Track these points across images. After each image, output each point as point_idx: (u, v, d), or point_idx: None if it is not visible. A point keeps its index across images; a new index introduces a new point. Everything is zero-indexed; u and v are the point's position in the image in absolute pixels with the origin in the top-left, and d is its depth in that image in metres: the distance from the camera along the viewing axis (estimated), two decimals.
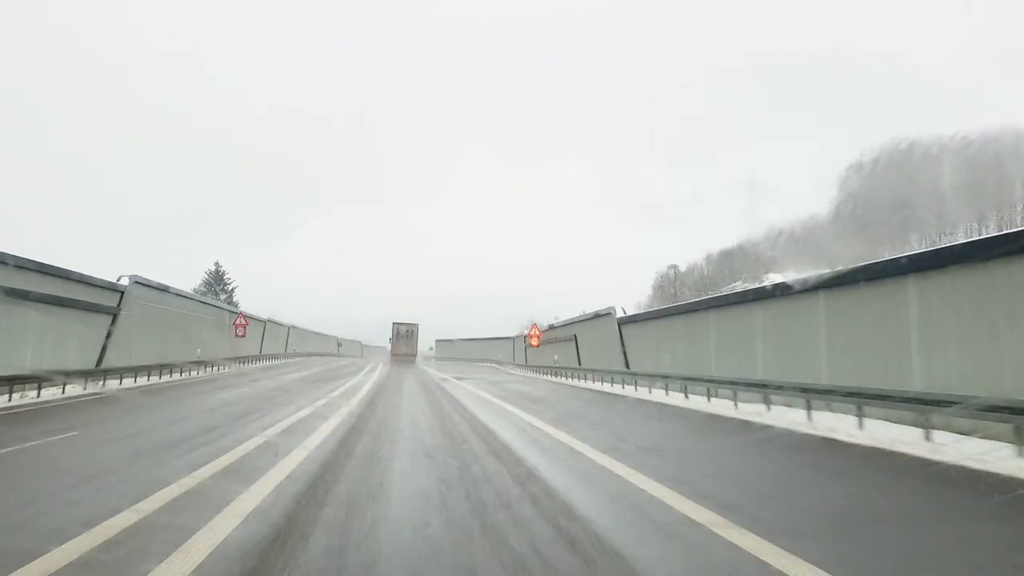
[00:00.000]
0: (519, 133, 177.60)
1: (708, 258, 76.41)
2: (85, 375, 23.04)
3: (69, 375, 21.35)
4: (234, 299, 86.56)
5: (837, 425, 13.49)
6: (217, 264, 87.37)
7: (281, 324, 71.67)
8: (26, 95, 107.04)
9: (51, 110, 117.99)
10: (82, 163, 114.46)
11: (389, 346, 71.35)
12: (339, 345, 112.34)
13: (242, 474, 7.98)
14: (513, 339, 71.13)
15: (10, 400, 17.88)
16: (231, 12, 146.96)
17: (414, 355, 69.38)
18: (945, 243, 23.69)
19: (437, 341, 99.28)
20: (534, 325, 49.23)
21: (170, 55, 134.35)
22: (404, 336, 68.02)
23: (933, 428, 11.51)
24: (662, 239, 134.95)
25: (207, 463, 8.63)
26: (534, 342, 47.99)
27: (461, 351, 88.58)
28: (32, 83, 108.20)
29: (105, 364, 26.01)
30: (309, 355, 78.09)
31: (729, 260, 67.52)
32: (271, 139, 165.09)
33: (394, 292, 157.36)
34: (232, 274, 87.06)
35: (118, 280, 28.45)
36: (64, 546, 4.92)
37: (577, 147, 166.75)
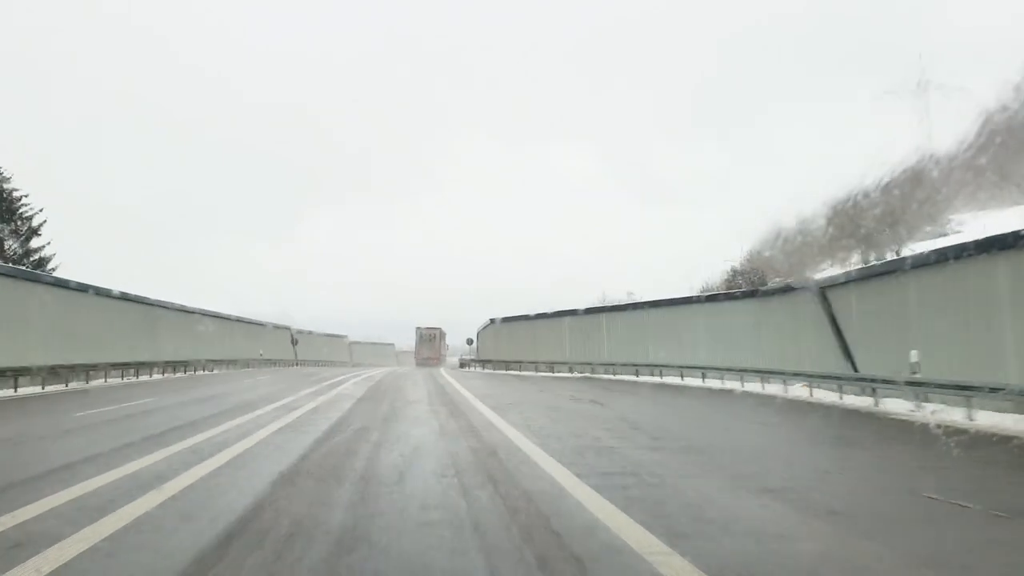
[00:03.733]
0: (526, 119, 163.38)
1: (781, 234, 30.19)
2: None
3: None
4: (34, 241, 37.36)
5: None
6: None
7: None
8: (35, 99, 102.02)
9: (49, 113, 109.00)
10: (82, 169, 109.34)
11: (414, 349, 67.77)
12: (295, 342, 61.38)
13: None
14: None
15: None
16: (231, 9, 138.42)
17: (436, 358, 63.28)
18: None
19: (490, 322, 46.74)
20: None
21: (167, 54, 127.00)
22: (427, 340, 65.88)
23: None
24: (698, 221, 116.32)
25: None
26: None
27: (553, 346, 36.28)
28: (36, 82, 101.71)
29: None
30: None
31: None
32: (270, 143, 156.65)
33: (404, 293, 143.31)
34: (39, 199, 36.92)
35: None
36: None
37: (586, 129, 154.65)
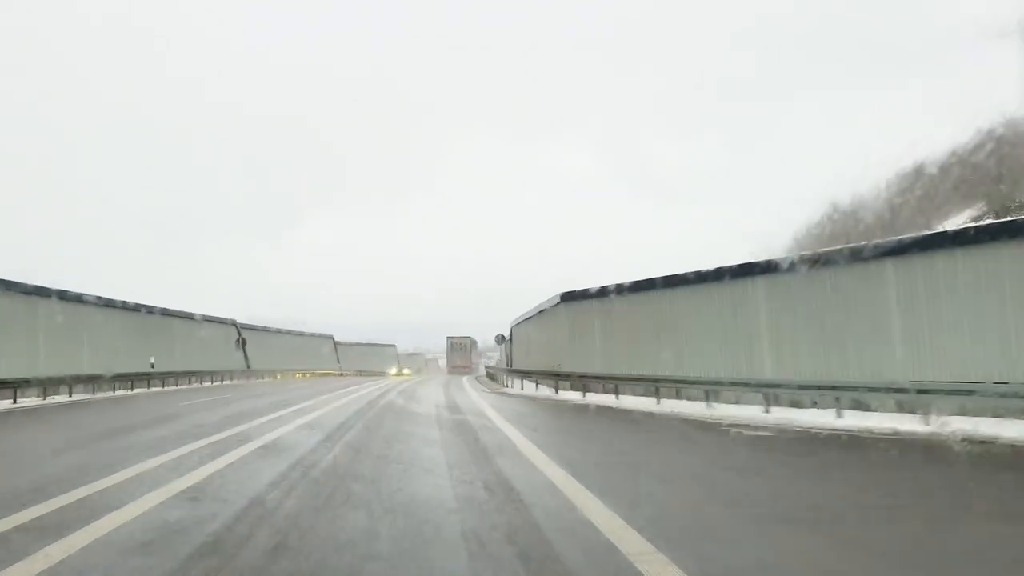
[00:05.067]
0: (526, 119, 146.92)
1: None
2: None
3: None
4: None
5: None
6: None
7: None
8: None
9: (53, 120, 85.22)
10: (83, 170, 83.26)
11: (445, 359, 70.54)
12: (241, 343, 41.87)
13: None
14: None
15: None
16: (232, 12, 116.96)
17: (468, 367, 63.81)
18: None
19: (560, 301, 26.17)
20: None
21: (166, 56, 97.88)
22: (459, 349, 67.83)
23: None
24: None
25: None
26: None
27: (731, 348, 14.92)
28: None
29: None
30: None
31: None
32: (271, 145, 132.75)
33: (404, 293, 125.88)
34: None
35: None
36: None
37: (586, 129, 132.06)
